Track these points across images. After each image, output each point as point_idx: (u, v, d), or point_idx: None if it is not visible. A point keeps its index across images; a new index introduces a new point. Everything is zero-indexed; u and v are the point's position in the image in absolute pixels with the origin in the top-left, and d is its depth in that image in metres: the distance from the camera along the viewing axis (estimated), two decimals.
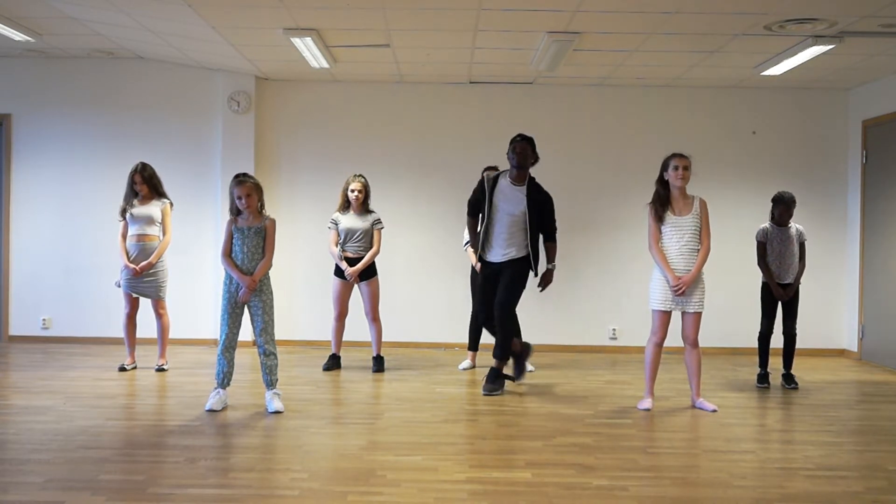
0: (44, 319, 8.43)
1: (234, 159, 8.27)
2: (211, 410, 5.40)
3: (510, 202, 6.12)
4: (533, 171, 8.41)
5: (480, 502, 3.75)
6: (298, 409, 5.54)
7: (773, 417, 5.84)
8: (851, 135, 8.47)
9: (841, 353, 8.51)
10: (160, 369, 6.87)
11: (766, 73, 7.55)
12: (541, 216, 6.21)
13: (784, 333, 6.64)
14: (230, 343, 5.48)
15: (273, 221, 5.57)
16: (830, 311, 8.51)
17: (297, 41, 6.75)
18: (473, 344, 7.24)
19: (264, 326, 5.46)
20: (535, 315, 8.13)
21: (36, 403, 5.60)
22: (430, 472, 4.17)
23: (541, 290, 6.33)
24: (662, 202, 5.68)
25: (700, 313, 5.65)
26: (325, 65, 7.53)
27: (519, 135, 6.21)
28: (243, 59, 7.71)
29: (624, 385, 6.64)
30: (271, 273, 5.59)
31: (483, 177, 6.38)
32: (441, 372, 7.13)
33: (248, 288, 5.39)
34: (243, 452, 4.54)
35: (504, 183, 6.18)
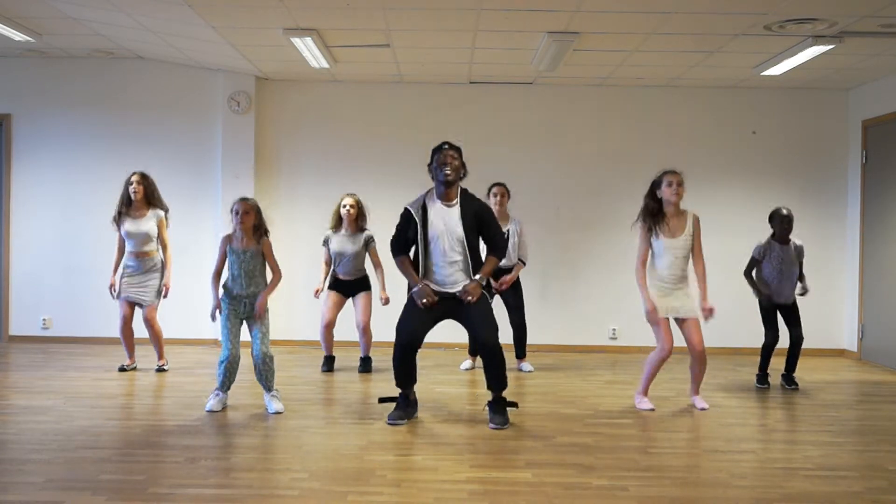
0: (44, 319, 8.44)
1: (234, 159, 8.27)
2: (211, 411, 5.41)
3: (446, 227, 5.18)
4: (536, 171, 8.53)
5: (480, 502, 3.75)
6: (298, 409, 5.54)
7: (773, 417, 5.84)
8: (851, 135, 8.47)
9: (841, 353, 8.51)
10: (160, 370, 6.88)
11: (766, 73, 7.54)
12: (482, 230, 5.29)
13: (791, 340, 6.53)
14: (234, 358, 5.47)
15: (268, 242, 5.57)
16: (830, 311, 8.51)
17: (297, 41, 6.75)
18: (474, 348, 7.22)
19: (262, 337, 5.48)
20: (535, 315, 8.13)
21: (36, 403, 5.60)
22: (430, 472, 4.17)
23: (468, 299, 5.15)
24: (654, 215, 5.52)
25: (697, 318, 5.59)
26: (325, 65, 7.53)
27: (445, 143, 5.31)
28: (243, 59, 7.71)
29: (624, 385, 6.64)
30: (269, 273, 5.59)
31: (406, 209, 5.29)
32: (441, 372, 7.13)
33: (260, 308, 5.44)
34: (243, 452, 4.54)
35: (433, 205, 5.25)
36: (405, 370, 5.33)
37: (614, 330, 8.55)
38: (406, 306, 5.33)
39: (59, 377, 6.56)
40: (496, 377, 5.23)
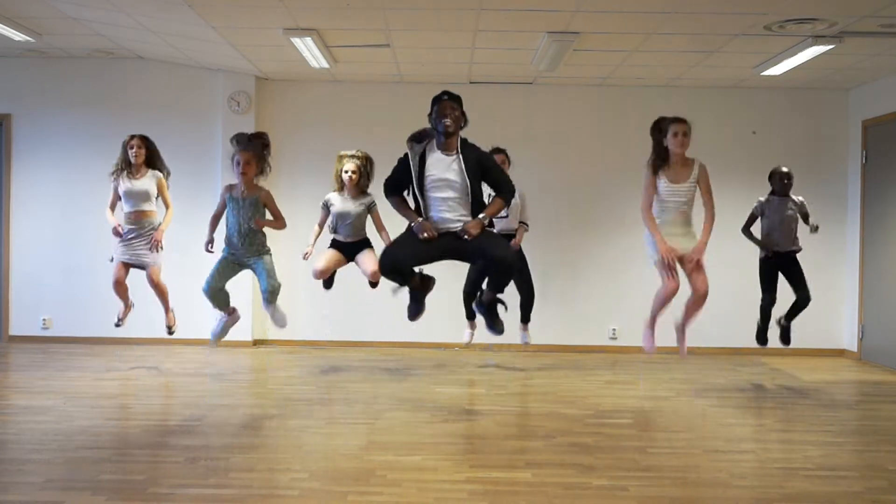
0: (44, 319, 8.43)
1: None
2: (215, 341, 5.57)
3: (445, 177, 5.12)
4: (536, 171, 8.52)
5: (480, 502, 3.75)
6: (298, 409, 5.54)
7: (773, 417, 5.84)
8: (851, 135, 8.46)
9: (841, 353, 8.51)
10: (170, 332, 6.94)
11: (767, 73, 7.54)
12: (485, 176, 5.24)
13: (798, 300, 6.64)
14: (213, 289, 5.66)
15: (269, 193, 5.52)
16: (830, 311, 8.51)
17: (297, 41, 6.75)
18: (471, 312, 7.09)
19: (267, 275, 5.54)
20: (535, 315, 8.11)
21: (36, 403, 5.60)
22: (430, 472, 4.18)
23: (465, 237, 5.01)
24: (663, 158, 5.61)
25: (702, 260, 5.57)
26: (325, 65, 7.53)
27: (444, 92, 5.30)
28: (243, 59, 7.71)
29: (624, 385, 6.64)
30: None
31: (408, 146, 5.29)
32: (441, 372, 7.12)
33: (256, 223, 5.51)
34: (243, 452, 4.53)
35: (433, 154, 5.20)
36: (397, 277, 5.18)
37: (614, 330, 8.55)
38: (400, 236, 5.20)
39: (59, 377, 6.56)
40: (500, 281, 5.21)
